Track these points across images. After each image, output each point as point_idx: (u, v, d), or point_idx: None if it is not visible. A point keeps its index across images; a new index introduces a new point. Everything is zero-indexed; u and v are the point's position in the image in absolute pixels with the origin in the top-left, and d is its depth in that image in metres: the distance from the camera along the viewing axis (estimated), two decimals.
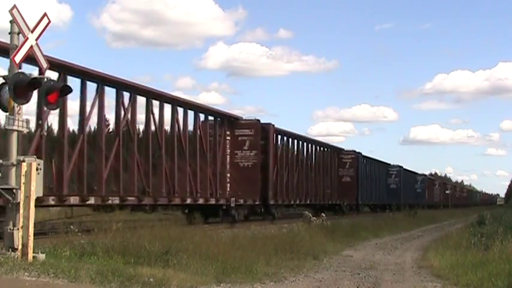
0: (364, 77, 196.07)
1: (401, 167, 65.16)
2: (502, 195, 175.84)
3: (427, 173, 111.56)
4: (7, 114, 10.44)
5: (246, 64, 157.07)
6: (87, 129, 19.81)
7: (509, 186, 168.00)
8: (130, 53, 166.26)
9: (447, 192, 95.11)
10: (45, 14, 10.80)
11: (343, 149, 48.97)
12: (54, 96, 10.86)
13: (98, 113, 19.93)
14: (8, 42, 10.80)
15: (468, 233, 21.04)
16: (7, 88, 10.27)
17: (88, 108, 19.48)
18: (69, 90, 11.78)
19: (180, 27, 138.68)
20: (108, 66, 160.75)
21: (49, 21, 10.81)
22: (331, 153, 45.55)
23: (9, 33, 10.62)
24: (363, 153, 51.02)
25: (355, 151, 49.21)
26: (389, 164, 63.61)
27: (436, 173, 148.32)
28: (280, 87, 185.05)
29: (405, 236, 27.33)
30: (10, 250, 10.15)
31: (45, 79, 10.71)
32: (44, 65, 10.95)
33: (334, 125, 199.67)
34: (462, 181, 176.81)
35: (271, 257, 14.04)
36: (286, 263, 13.89)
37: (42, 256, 10.29)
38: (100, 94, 19.86)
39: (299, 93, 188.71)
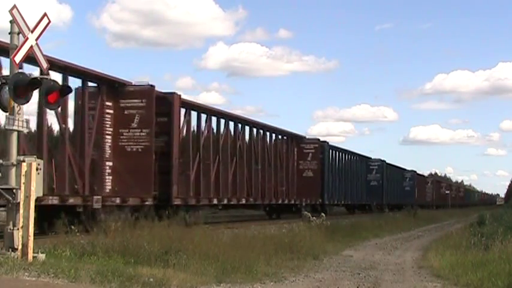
0: (364, 77, 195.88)
1: (383, 161, 57.79)
2: (502, 195, 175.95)
3: (427, 173, 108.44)
4: (7, 114, 10.45)
5: (246, 64, 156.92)
6: None
7: (509, 186, 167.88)
8: (130, 53, 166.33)
9: (442, 191, 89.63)
10: (45, 14, 10.81)
11: (305, 137, 40.10)
12: (54, 96, 10.87)
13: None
14: (8, 42, 10.83)
15: (468, 233, 21.04)
16: (7, 88, 10.28)
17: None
18: (69, 90, 11.80)
19: (180, 27, 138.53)
20: (108, 67, 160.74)
21: (49, 21, 10.83)
22: (288, 142, 37.21)
23: (9, 33, 10.63)
24: (330, 143, 43.54)
25: (319, 139, 40.68)
26: (369, 158, 56.41)
27: (436, 173, 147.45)
28: (280, 87, 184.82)
29: (405, 236, 27.32)
30: (10, 250, 10.16)
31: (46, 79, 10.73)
32: (44, 65, 10.96)
33: (334, 125, 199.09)
34: (462, 181, 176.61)
35: (271, 257, 14.03)
36: (286, 263, 13.88)
37: (42, 256, 10.31)
38: None
39: (299, 93, 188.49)
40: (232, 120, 29.36)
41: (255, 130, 32.09)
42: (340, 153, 46.41)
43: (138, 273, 9.88)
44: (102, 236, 12.74)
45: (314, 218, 25.42)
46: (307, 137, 40.66)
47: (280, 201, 34.65)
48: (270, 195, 33.34)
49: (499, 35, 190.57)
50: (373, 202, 51.41)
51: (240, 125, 30.09)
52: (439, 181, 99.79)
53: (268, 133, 34.06)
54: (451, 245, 18.24)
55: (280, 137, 36.10)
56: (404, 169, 69.23)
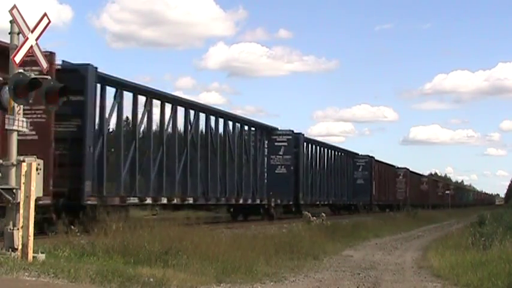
0: (364, 77, 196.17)
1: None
2: (502, 195, 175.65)
3: (426, 173, 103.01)
4: (7, 114, 10.44)
5: (247, 64, 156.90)
6: None
7: (509, 186, 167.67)
8: (130, 53, 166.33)
9: (423, 187, 76.49)
10: (45, 14, 10.80)
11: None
12: (54, 96, 10.87)
13: None
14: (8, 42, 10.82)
15: (468, 233, 21.04)
16: (7, 88, 10.28)
17: None
18: (69, 90, 11.77)
19: (181, 28, 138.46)
20: (109, 67, 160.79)
21: (49, 21, 10.82)
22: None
23: (9, 33, 10.63)
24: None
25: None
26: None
27: (436, 173, 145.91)
28: (281, 87, 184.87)
29: (405, 236, 27.35)
30: (10, 250, 10.15)
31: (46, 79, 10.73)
32: (44, 65, 10.95)
33: (334, 125, 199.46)
34: (462, 181, 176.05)
35: (271, 257, 14.04)
36: (286, 263, 13.89)
37: (42, 256, 10.30)
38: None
39: (299, 93, 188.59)
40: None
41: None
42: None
43: (138, 273, 9.87)
44: (102, 236, 12.73)
45: (314, 218, 25.45)
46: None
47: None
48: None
49: (499, 35, 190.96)
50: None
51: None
52: (420, 175, 79.96)
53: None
54: (451, 245, 18.26)
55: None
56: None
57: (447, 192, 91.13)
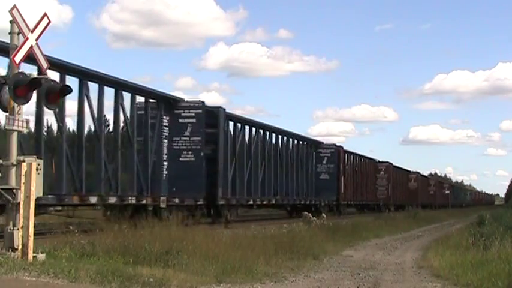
0: (364, 77, 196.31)
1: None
2: (502, 195, 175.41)
3: (426, 173, 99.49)
4: (7, 114, 10.44)
5: (247, 64, 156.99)
6: None
7: (509, 186, 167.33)
8: (130, 53, 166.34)
9: (411, 185, 67.40)
10: (45, 14, 10.80)
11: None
12: (54, 96, 10.87)
13: None
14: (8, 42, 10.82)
15: (468, 233, 21.04)
16: (7, 88, 10.28)
17: None
18: (69, 90, 11.77)
19: (181, 28, 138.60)
20: (109, 67, 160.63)
21: (49, 21, 10.82)
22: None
23: (9, 33, 10.62)
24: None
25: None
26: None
27: (436, 173, 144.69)
28: (281, 87, 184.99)
29: (405, 236, 27.34)
30: (10, 250, 10.15)
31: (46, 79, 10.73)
32: (44, 65, 10.95)
33: (334, 125, 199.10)
34: (462, 181, 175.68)
35: (271, 257, 14.03)
36: (286, 263, 13.89)
37: (42, 256, 10.30)
38: None
39: (299, 94, 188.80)
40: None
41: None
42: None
43: (138, 273, 9.87)
44: (102, 236, 12.73)
45: (314, 218, 25.44)
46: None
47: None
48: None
49: (499, 35, 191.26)
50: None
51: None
52: (407, 172, 68.92)
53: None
54: (451, 245, 18.25)
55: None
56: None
57: (447, 192, 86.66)
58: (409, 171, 69.20)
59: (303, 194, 37.74)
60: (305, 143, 39.57)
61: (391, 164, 56.59)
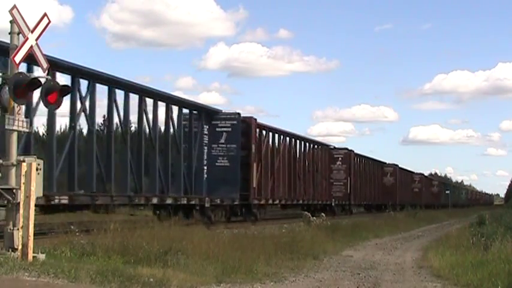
0: (364, 77, 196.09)
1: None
2: (502, 195, 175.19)
3: (427, 173, 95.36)
4: (7, 114, 10.44)
5: (247, 64, 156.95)
6: None
7: (509, 186, 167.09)
8: (130, 53, 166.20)
9: (386, 180, 57.08)
10: (45, 14, 10.80)
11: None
12: (54, 96, 10.87)
13: None
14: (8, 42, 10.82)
15: (468, 233, 21.04)
16: (7, 88, 10.28)
17: None
18: (69, 90, 11.77)
19: (181, 28, 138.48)
20: (109, 67, 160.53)
21: (49, 22, 10.82)
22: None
23: (9, 33, 10.62)
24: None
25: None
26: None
27: (436, 173, 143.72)
28: (281, 88, 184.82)
29: (405, 236, 27.33)
30: (10, 250, 10.15)
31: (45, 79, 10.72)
32: (44, 65, 10.94)
33: (334, 125, 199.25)
34: (462, 181, 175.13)
35: (271, 257, 14.03)
36: (286, 263, 13.88)
37: (42, 256, 10.30)
38: None
39: (299, 94, 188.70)
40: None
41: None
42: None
43: (138, 273, 9.87)
44: (102, 236, 12.73)
45: (314, 218, 25.44)
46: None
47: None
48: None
49: (499, 35, 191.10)
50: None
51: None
52: (382, 166, 58.51)
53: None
54: (451, 245, 18.24)
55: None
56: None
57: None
58: (384, 164, 61.12)
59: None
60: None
61: (352, 151, 49.30)
